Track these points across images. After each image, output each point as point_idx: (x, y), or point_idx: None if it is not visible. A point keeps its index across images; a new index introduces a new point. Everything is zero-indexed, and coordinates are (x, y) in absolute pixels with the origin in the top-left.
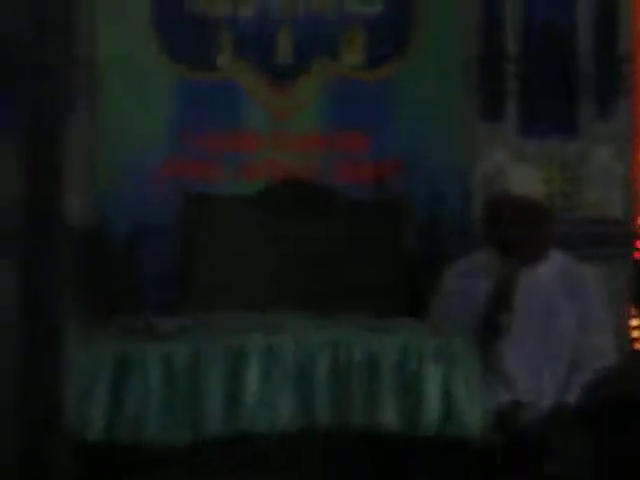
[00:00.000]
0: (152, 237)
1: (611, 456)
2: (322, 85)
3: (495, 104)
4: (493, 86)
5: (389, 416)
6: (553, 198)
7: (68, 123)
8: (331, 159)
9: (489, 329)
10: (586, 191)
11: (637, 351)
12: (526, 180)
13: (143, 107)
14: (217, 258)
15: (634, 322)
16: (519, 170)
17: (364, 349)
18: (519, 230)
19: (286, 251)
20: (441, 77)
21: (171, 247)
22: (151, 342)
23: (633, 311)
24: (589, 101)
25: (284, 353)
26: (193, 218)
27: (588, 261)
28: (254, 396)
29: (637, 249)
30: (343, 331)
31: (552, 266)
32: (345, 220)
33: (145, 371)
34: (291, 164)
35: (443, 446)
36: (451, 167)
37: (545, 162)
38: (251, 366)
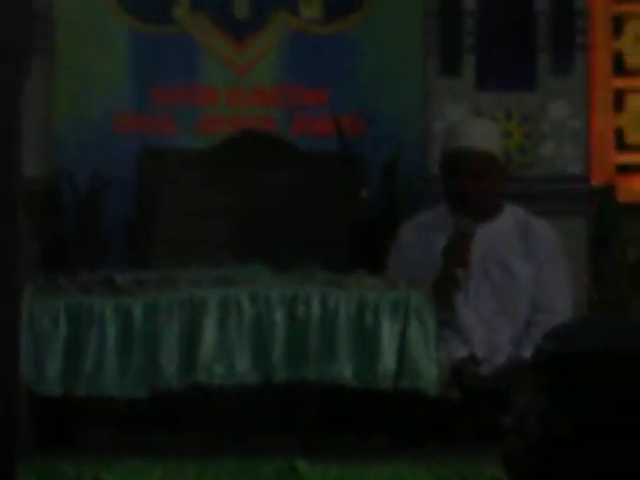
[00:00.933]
0: (110, 190)
1: (561, 410)
2: (280, 39)
3: (453, 59)
4: (451, 41)
5: (345, 369)
6: (511, 153)
7: (23, 75)
8: (289, 112)
9: (445, 284)
10: (543, 146)
11: (591, 306)
12: (482, 134)
13: (100, 60)
14: (175, 211)
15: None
16: (476, 124)
17: (321, 303)
18: (476, 184)
19: (244, 204)
20: (399, 32)
21: (129, 200)
22: (108, 295)
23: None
24: (546, 56)
25: (241, 307)
26: (151, 171)
27: (545, 216)
28: (211, 349)
29: (593, 204)
30: (300, 285)
31: (509, 221)
32: (303, 173)
33: (102, 324)
34: (249, 117)
35: (399, 399)
36: (409, 122)
37: (503, 116)
38: (208, 319)
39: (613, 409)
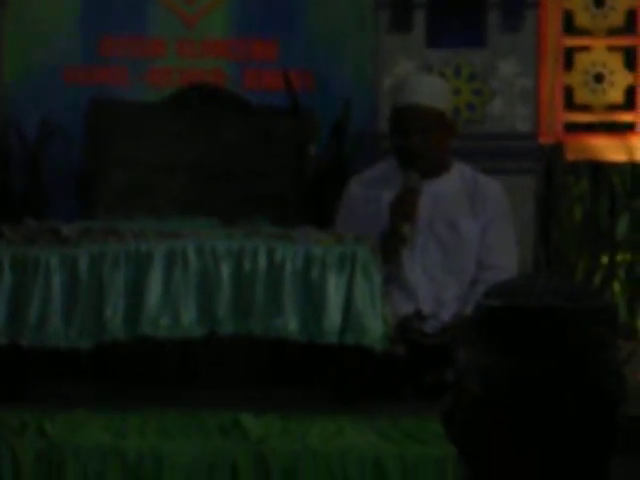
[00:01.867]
0: (59, 141)
1: (499, 366)
2: None
3: (403, 15)
4: None
5: (291, 323)
6: (460, 110)
7: None
8: (239, 66)
9: (392, 239)
10: (492, 104)
11: (537, 265)
12: (431, 90)
13: (50, 11)
14: (123, 163)
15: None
16: (425, 81)
17: (267, 257)
18: (423, 140)
19: (193, 157)
20: None
21: (78, 151)
22: (54, 246)
23: (537, 224)
24: (496, 14)
25: (188, 259)
26: (100, 122)
27: (494, 174)
28: (156, 302)
29: (541, 162)
30: (247, 239)
31: (457, 178)
32: (252, 127)
33: (48, 274)
34: (200, 70)
35: (345, 353)
36: (359, 77)
37: (452, 73)
38: (154, 272)
39: (548, 366)
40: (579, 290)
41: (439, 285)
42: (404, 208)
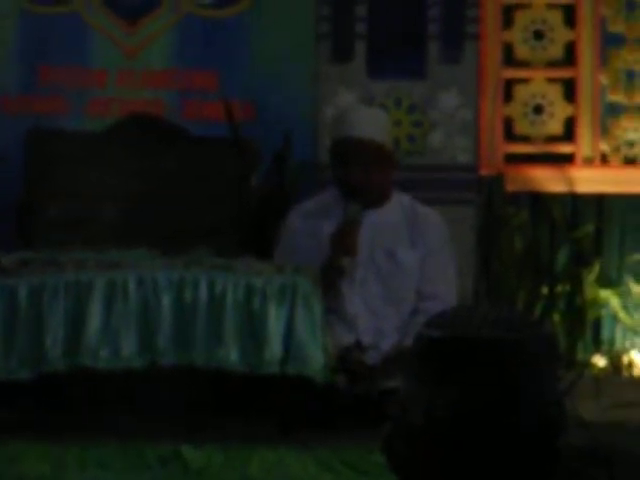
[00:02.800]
0: None
1: (439, 397)
2: (172, 22)
3: (344, 45)
4: (342, 27)
5: (232, 354)
6: (400, 141)
7: None
8: (180, 97)
9: (332, 271)
10: (432, 135)
11: (477, 296)
12: (371, 123)
13: None
14: (63, 193)
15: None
16: (366, 113)
17: (208, 288)
18: (363, 173)
19: (132, 188)
20: (290, 17)
21: (18, 181)
22: None
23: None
24: (436, 45)
25: (128, 290)
26: (38, 152)
27: (434, 205)
28: (96, 332)
29: (481, 194)
30: (187, 270)
31: (396, 208)
32: (192, 157)
33: None
34: (140, 101)
35: (286, 384)
36: (299, 108)
37: (392, 104)
38: (94, 302)
39: (485, 396)
40: (520, 320)
41: (379, 316)
42: (344, 241)
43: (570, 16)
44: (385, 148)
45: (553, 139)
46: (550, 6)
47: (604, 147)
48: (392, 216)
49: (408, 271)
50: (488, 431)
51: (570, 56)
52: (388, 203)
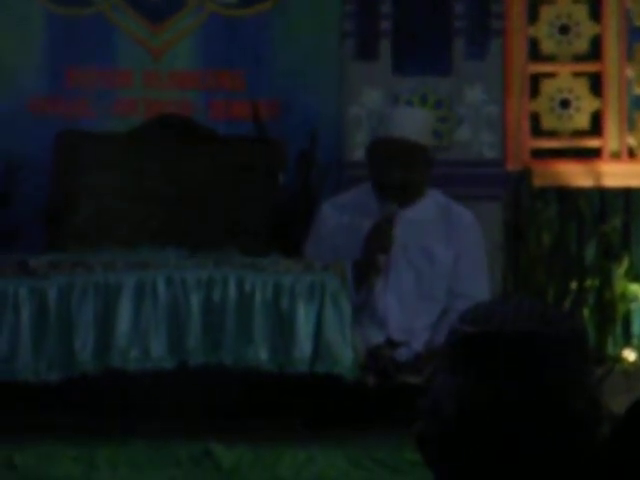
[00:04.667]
0: (26, 172)
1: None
2: (197, 22)
3: (369, 43)
4: (367, 25)
5: (261, 353)
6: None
7: None
8: (206, 96)
9: (365, 268)
10: (459, 131)
11: (506, 292)
12: (415, 125)
13: (15, 42)
14: (91, 195)
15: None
16: (409, 114)
17: (237, 287)
18: (404, 174)
19: (162, 189)
20: (315, 15)
21: (45, 184)
22: (22, 278)
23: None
24: (462, 41)
25: (157, 290)
26: (67, 155)
27: (461, 201)
28: (126, 333)
29: (508, 189)
30: (216, 269)
31: (431, 206)
32: (220, 158)
33: (16, 307)
34: (166, 101)
35: (315, 383)
36: (325, 106)
37: (419, 101)
38: (123, 303)
39: (522, 389)
40: (553, 313)
41: (411, 313)
42: (380, 239)
43: (596, 10)
44: (427, 150)
45: (580, 133)
46: (575, 0)
47: (631, 141)
48: (427, 213)
49: (442, 269)
50: (523, 425)
51: (596, 50)
52: (422, 200)
